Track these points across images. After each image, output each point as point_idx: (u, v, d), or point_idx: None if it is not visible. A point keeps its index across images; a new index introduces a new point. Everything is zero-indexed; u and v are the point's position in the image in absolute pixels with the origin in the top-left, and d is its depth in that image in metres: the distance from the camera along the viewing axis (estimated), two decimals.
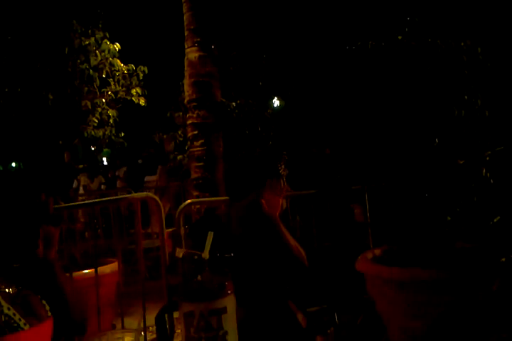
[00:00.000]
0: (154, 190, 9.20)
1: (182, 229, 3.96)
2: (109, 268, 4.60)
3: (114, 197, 4.56)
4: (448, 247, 3.88)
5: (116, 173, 11.76)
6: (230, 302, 1.14)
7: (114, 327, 4.91)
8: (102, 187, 10.80)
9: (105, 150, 19.25)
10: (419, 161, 4.83)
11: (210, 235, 1.24)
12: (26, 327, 1.31)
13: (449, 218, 3.81)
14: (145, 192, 4.37)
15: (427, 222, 4.36)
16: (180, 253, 1.34)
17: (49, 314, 1.44)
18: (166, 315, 1.14)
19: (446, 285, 3.13)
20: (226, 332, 1.11)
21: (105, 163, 20.09)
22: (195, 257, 1.21)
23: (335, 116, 8.86)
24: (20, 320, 1.33)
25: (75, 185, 10.57)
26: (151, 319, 2.29)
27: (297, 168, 6.71)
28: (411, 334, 3.30)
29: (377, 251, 3.87)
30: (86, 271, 4.45)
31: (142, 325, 3.51)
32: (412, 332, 3.30)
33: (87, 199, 7.82)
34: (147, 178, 10.95)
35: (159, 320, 1.08)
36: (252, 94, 8.08)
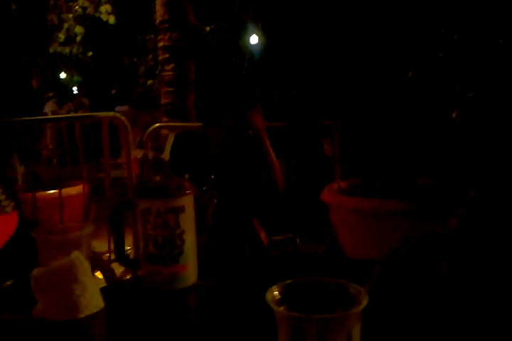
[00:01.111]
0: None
1: (150, 153, 3.93)
2: (75, 189, 4.57)
3: (82, 114, 4.45)
4: (410, 182, 3.96)
5: (83, 101, 11.44)
6: (188, 202, 1.12)
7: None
8: (71, 113, 10.53)
9: (75, 78, 18.58)
10: (392, 96, 4.81)
11: (171, 137, 1.20)
12: None
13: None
14: (111, 112, 4.25)
15: (393, 158, 4.42)
16: (139, 154, 1.30)
17: (7, 209, 1.62)
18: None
19: (403, 216, 3.23)
20: (183, 231, 1.10)
21: (75, 92, 19.45)
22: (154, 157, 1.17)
23: (309, 52, 8.63)
24: None
25: (45, 110, 10.28)
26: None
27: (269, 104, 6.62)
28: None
29: (343, 184, 3.93)
30: (51, 191, 4.39)
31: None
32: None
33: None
34: (118, 108, 10.68)
35: (115, 217, 1.06)
36: (227, 20, 7.73)
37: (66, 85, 17.24)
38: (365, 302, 0.58)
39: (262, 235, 2.03)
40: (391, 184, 3.89)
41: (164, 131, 5.22)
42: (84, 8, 5.84)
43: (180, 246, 1.09)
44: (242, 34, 9.27)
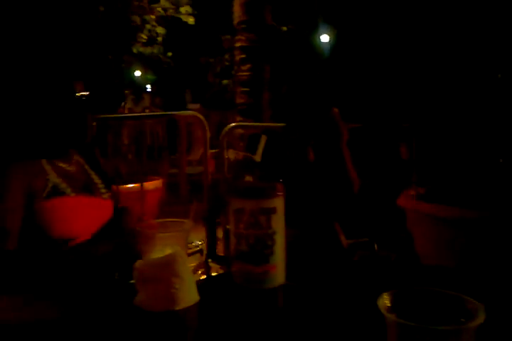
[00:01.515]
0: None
1: (225, 151, 4.00)
2: (153, 184, 4.77)
3: (160, 113, 4.64)
4: (491, 190, 3.80)
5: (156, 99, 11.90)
6: (279, 204, 1.13)
7: None
8: (146, 111, 10.98)
9: (149, 76, 19.27)
10: (473, 102, 4.61)
11: (263, 139, 1.22)
12: (72, 194, 1.59)
13: (501, 160, 3.69)
14: (190, 111, 4.38)
15: (473, 163, 4.25)
16: (232, 154, 1.33)
17: (104, 196, 1.75)
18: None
19: (483, 224, 3.11)
20: (274, 232, 1.12)
21: (149, 89, 20.16)
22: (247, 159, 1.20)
23: (387, 52, 8.44)
24: (67, 188, 1.61)
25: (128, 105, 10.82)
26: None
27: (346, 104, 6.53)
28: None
29: (420, 189, 3.84)
30: (131, 185, 4.59)
31: None
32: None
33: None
34: (190, 106, 11.04)
35: (210, 215, 1.09)
36: (304, 20, 7.71)
37: (140, 83, 17.97)
38: (482, 318, 0.56)
39: (342, 238, 2.02)
40: (469, 191, 3.74)
41: (238, 131, 5.31)
42: (165, 10, 6.03)
43: (271, 247, 1.10)
44: (315, 34, 9.23)
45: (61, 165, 1.70)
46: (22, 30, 5.01)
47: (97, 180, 1.81)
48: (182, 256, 0.95)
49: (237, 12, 5.72)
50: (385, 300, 0.61)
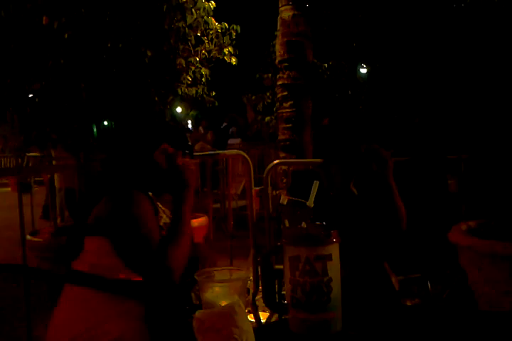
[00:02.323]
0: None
1: (269, 188, 4.03)
2: (198, 222, 4.81)
3: (209, 153, 4.77)
4: None
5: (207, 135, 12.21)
6: (334, 250, 1.13)
7: None
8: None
9: (192, 112, 19.76)
10: None
11: (316, 184, 1.23)
12: None
13: None
14: (235, 150, 4.51)
15: None
16: (284, 200, 1.35)
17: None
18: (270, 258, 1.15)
19: None
20: (330, 279, 1.11)
21: (189, 126, 20.65)
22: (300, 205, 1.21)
23: (428, 83, 8.39)
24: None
25: None
26: None
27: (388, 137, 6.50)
28: (497, 310, 3.18)
29: (472, 223, 3.72)
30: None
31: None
32: (498, 308, 3.18)
33: None
34: (230, 141, 11.24)
35: (265, 262, 1.10)
36: (344, 56, 7.81)
37: (180, 119, 18.46)
38: None
39: (394, 280, 1.97)
40: None
41: (281, 167, 5.35)
42: (209, 51, 6.25)
43: (328, 294, 1.10)
44: (356, 67, 9.31)
45: (160, 206, 1.69)
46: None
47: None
48: (241, 306, 0.96)
49: (279, 51, 5.85)
50: None
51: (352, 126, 2.55)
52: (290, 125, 5.74)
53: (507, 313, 3.12)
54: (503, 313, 2.66)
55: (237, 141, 11.15)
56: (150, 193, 1.61)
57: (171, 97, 6.14)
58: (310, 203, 1.24)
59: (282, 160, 4.89)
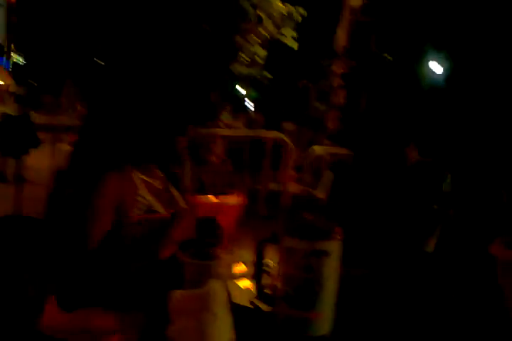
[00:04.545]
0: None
1: (301, 188, 3.98)
2: (234, 199, 4.77)
3: (252, 133, 4.69)
4: None
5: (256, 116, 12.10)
6: (334, 247, 1.06)
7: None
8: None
9: (252, 93, 19.70)
10: None
11: (328, 175, 1.16)
12: (162, 212, 1.54)
13: None
14: (277, 132, 4.40)
15: None
16: (294, 188, 1.28)
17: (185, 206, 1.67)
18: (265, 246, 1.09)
19: None
20: (325, 277, 1.05)
21: (251, 107, 20.59)
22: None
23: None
24: (160, 207, 1.56)
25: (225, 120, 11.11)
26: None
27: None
28: None
29: None
30: (211, 197, 4.58)
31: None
32: None
33: None
34: (284, 124, 11.07)
35: (258, 253, 1.05)
36: (410, 49, 7.48)
37: (242, 99, 18.37)
38: None
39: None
40: None
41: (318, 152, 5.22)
42: (271, 33, 6.14)
43: (318, 293, 1.04)
44: (423, 63, 8.92)
45: (150, 181, 1.65)
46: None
47: (177, 194, 1.76)
48: (218, 292, 0.91)
49: (341, 38, 5.67)
50: None
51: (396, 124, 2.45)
52: (341, 115, 5.59)
53: None
54: None
55: (289, 125, 10.98)
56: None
57: (227, 76, 6.11)
58: (319, 193, 1.16)
59: (325, 147, 4.77)
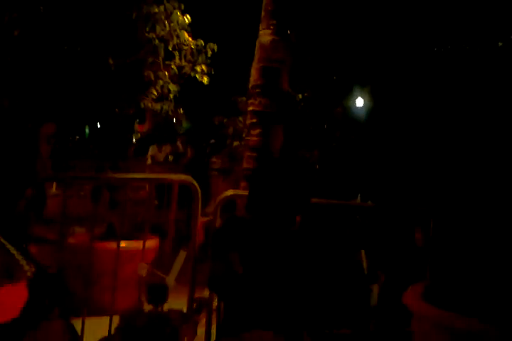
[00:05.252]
0: (217, 172, 9.10)
1: (218, 220, 3.70)
2: (150, 243, 4.45)
3: (155, 176, 4.42)
4: None
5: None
6: None
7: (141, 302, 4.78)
8: (170, 157, 10.82)
9: (184, 124, 19.57)
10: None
11: (182, 256, 0.91)
12: None
13: None
14: (184, 175, 4.14)
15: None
16: (143, 270, 1.07)
17: (28, 274, 1.53)
18: None
19: None
20: None
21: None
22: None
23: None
24: None
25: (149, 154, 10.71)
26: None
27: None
28: None
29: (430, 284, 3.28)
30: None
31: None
32: None
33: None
34: (214, 159, 10.79)
35: None
36: (324, 88, 7.50)
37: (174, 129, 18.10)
38: None
39: None
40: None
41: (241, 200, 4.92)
42: (180, 67, 5.88)
43: None
44: (344, 99, 9.03)
45: None
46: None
47: (17, 256, 1.56)
48: None
49: (253, 76, 5.50)
50: None
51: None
52: (255, 154, 5.34)
53: None
54: None
55: (219, 159, 10.68)
56: None
57: (132, 110, 5.73)
58: (170, 280, 0.94)
59: (238, 192, 4.46)
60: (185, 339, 1.90)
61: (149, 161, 10.65)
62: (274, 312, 2.03)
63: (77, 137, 18.01)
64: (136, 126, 12.14)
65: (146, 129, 12.09)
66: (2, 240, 1.56)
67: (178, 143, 12.81)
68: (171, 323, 1.89)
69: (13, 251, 1.56)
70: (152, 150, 10.85)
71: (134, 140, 13.49)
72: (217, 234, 2.33)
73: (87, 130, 18.96)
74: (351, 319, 2.11)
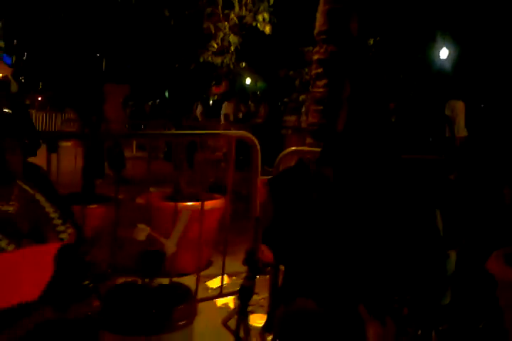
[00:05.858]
0: (291, 130, 8.99)
1: None
2: (212, 204, 4.45)
3: (211, 131, 4.32)
4: None
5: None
6: None
7: (210, 264, 4.87)
8: (240, 115, 10.87)
9: (259, 84, 19.48)
10: None
11: (184, 216, 0.85)
12: (10, 248, 1.34)
13: None
14: (242, 131, 4.01)
15: None
16: (141, 233, 1.06)
17: (61, 236, 1.43)
18: None
19: None
20: None
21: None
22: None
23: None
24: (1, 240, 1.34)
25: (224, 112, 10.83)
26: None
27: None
28: None
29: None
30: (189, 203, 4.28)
31: None
32: None
33: None
34: (287, 117, 10.68)
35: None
36: (400, 32, 6.81)
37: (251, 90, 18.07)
38: None
39: None
40: None
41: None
42: (241, 18, 5.54)
43: None
44: (426, 48, 8.29)
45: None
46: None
47: (52, 213, 1.43)
48: None
49: (319, 21, 5.06)
50: None
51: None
52: (321, 107, 4.98)
53: None
54: None
55: (293, 118, 10.53)
56: None
57: (193, 65, 5.49)
58: (170, 244, 0.87)
59: (299, 148, 4.22)
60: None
61: (222, 121, 10.82)
62: (330, 278, 1.83)
63: (158, 101, 18.68)
64: (213, 89, 12.22)
65: (222, 91, 12.11)
66: (39, 196, 1.45)
67: (250, 103, 12.77)
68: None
69: (48, 208, 1.44)
70: (225, 109, 10.91)
71: (210, 102, 13.78)
72: (275, 179, 2.25)
73: (166, 94, 19.55)
74: (424, 290, 1.83)
